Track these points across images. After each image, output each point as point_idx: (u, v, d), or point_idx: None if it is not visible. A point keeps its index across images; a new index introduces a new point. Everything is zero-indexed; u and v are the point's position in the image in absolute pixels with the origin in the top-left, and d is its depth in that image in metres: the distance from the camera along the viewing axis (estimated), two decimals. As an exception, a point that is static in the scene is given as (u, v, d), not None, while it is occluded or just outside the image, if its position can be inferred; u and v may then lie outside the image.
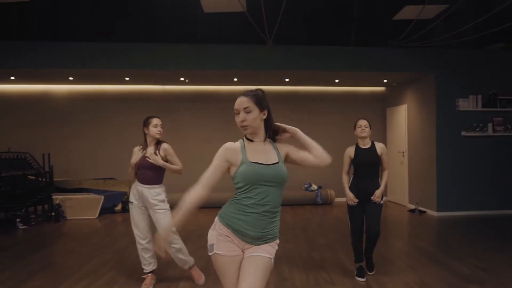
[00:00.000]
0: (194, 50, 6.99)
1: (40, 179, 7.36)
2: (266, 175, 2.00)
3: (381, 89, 9.35)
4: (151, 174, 3.70)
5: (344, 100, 9.16)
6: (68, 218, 7.45)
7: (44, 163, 7.47)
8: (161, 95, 8.73)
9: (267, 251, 2.02)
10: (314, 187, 8.74)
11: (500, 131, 7.45)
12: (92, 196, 7.80)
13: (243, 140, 2.16)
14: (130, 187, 8.54)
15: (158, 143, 3.79)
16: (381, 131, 9.25)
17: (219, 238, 2.02)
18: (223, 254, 1.99)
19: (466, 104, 7.40)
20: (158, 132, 3.74)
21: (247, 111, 2.09)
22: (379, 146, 4.03)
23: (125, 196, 8.25)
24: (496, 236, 5.79)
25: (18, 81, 7.83)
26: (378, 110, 9.34)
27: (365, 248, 4.10)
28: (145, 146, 3.79)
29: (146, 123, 3.77)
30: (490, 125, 7.43)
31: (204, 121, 8.77)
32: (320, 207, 8.43)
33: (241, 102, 2.12)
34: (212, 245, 2.03)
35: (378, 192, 3.89)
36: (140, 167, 3.72)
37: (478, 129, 7.41)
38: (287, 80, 8.10)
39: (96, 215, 7.58)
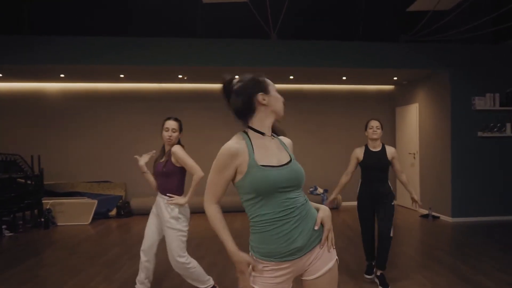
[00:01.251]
0: (193, 45, 6.55)
1: (29, 182, 6.93)
2: (285, 178, 1.59)
3: (390, 87, 8.90)
4: (164, 181, 3.27)
5: (351, 99, 8.72)
6: (58, 224, 7.00)
7: (33, 166, 7.03)
8: (158, 93, 8.29)
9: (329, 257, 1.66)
10: (320, 190, 8.29)
11: (518, 131, 7.00)
12: (85, 200, 7.36)
13: (246, 133, 1.70)
14: (126, 191, 8.11)
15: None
16: (390, 131, 8.81)
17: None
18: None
19: (483, 103, 6.95)
20: (169, 137, 3.25)
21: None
22: (389, 150, 3.83)
23: (120, 200, 7.82)
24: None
25: (6, 78, 7.38)
26: (387, 109, 8.89)
27: (378, 255, 3.80)
28: (162, 151, 3.36)
29: (162, 126, 3.32)
30: (508, 125, 6.98)
31: (204, 121, 8.33)
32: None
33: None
34: None
35: (416, 197, 3.84)
36: (154, 173, 3.35)
37: (495, 130, 6.96)
38: (291, 77, 7.65)
39: (89, 221, 7.13)
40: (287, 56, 6.69)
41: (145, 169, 3.37)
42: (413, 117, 8.12)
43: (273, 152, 1.66)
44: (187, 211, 3.28)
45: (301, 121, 8.59)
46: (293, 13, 6.62)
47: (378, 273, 3.77)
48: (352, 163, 3.88)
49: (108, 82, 8.01)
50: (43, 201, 7.00)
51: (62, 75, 7.19)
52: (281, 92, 1.85)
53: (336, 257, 1.68)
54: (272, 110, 1.71)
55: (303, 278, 1.65)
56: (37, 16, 6.52)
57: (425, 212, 7.50)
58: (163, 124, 3.31)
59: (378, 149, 3.79)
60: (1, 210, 6.41)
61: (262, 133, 1.68)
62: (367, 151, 3.82)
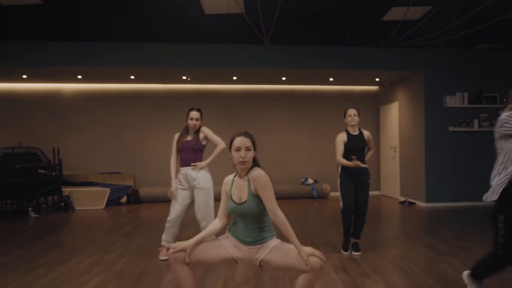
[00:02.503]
0: (195, 50, 7.43)
1: (50, 172, 7.79)
2: (237, 212, 2.51)
3: (374, 88, 9.76)
4: (193, 155, 4.18)
5: (339, 99, 9.58)
6: (76, 208, 7.87)
7: (54, 157, 7.90)
8: (163, 93, 9.17)
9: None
10: (310, 181, 9.14)
11: (485, 127, 7.84)
12: (99, 188, 8.22)
13: (235, 175, 2.61)
14: (135, 181, 8.97)
15: (197, 130, 4.26)
16: (375, 128, 9.66)
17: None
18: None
19: (453, 101, 7.81)
20: (193, 125, 4.20)
21: (248, 149, 2.49)
22: (365, 133, 4.53)
23: (130, 189, 8.67)
24: (480, 223, 6.17)
25: (29, 79, 8.27)
26: (372, 108, 9.75)
27: (355, 227, 4.49)
28: (184, 132, 4.27)
29: (187, 115, 4.24)
30: (476, 121, 7.83)
31: (205, 119, 9.17)
32: (316, 200, 8.81)
33: (244, 141, 2.49)
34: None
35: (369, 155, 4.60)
36: (182, 150, 4.20)
37: (464, 125, 7.81)
38: (284, 78, 8.52)
39: (103, 206, 8.00)
40: (279, 60, 7.57)
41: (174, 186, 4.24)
42: (394, 114, 8.97)
43: (238, 191, 2.53)
44: (210, 176, 4.23)
45: (293, 118, 9.44)
46: (285, 21, 7.48)
47: (353, 242, 4.54)
48: (340, 147, 4.38)
49: (120, 83, 8.90)
50: (62, 189, 7.87)
51: (79, 76, 8.07)
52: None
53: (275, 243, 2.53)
54: (234, 163, 2.55)
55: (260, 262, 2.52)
56: (58, 24, 7.40)
57: (403, 199, 8.35)
58: (187, 115, 4.23)
59: (357, 133, 4.46)
60: (27, 195, 7.29)
61: (240, 177, 2.55)
62: (349, 135, 4.44)
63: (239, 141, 2.48)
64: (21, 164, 7.63)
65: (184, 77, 8.34)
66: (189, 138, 4.24)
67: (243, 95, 9.33)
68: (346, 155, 4.39)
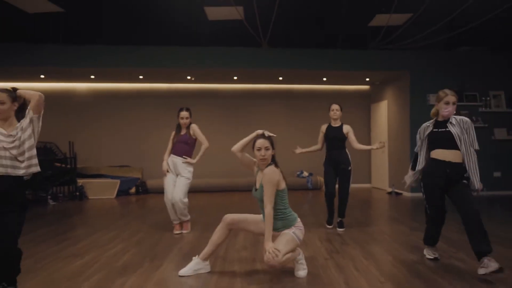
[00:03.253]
0: (199, 52, 8.13)
1: (65, 165, 8.49)
2: (254, 197, 3.33)
3: (366, 87, 10.45)
4: (184, 147, 4.94)
5: (333, 97, 10.22)
6: (90, 197, 8.57)
7: (70, 151, 8.61)
8: (169, 91, 9.86)
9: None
10: (305, 174, 9.82)
11: (466, 123, 8.52)
12: (110, 180, 8.92)
13: (258, 169, 3.38)
14: (142, 173, 9.67)
15: (188, 126, 5.02)
16: (366, 124, 10.35)
17: None
18: None
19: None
20: (184, 123, 4.99)
21: (267, 148, 3.23)
22: (345, 127, 5.23)
23: (138, 181, 9.37)
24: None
25: (47, 79, 8.98)
26: (364, 106, 10.44)
27: (339, 208, 5.17)
28: (178, 130, 5.04)
29: (178, 115, 5.02)
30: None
31: (208, 115, 9.88)
32: (311, 191, 9.50)
33: (263, 143, 3.21)
34: None
35: (376, 145, 5.02)
36: (177, 142, 4.95)
37: (447, 121, 8.49)
38: (280, 78, 9.22)
39: (114, 196, 8.71)
40: (276, 61, 8.26)
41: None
42: (383, 112, 9.66)
43: (257, 181, 3.30)
44: (192, 169, 4.99)
45: (290, 115, 10.14)
46: (282, 25, 8.17)
47: (338, 220, 5.23)
48: (320, 135, 5.26)
49: (129, 82, 9.61)
50: (77, 180, 8.57)
51: (92, 76, 8.78)
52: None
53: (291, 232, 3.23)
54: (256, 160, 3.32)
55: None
56: (75, 29, 8.09)
57: (390, 190, 9.04)
58: (178, 114, 4.99)
59: (338, 125, 5.19)
60: (43, 185, 7.99)
61: (261, 170, 3.28)
62: (329, 126, 5.22)
63: (260, 142, 3.24)
64: (38, 157, 8.30)
65: (188, 77, 9.04)
66: (182, 132, 5.02)
67: (243, 94, 10.02)
68: (328, 144, 5.21)
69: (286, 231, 3.23)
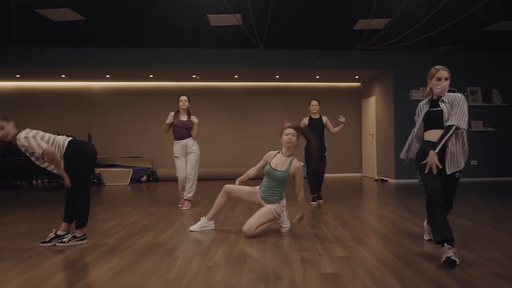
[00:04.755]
0: (203, 54, 9.09)
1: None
2: (270, 174, 4.11)
3: (357, 84, 11.34)
4: (186, 131, 5.82)
5: (326, 93, 11.16)
6: (106, 184, 9.57)
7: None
8: (177, 89, 10.80)
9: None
10: (301, 163, 10.72)
11: (445, 116, 9.39)
12: (123, 169, 9.91)
13: (279, 152, 4.20)
14: (153, 164, 10.63)
15: (188, 112, 5.88)
16: (357, 119, 11.24)
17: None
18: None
19: (418, 94, 9.37)
20: (183, 105, 5.85)
21: (293, 135, 4.09)
22: (324, 118, 6.23)
23: (149, 170, 10.34)
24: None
25: (67, 78, 9.98)
26: (355, 101, 11.33)
27: (317, 184, 6.14)
28: (177, 114, 5.88)
29: (178, 99, 5.89)
30: (437, 111, 9.37)
31: (212, 110, 10.84)
32: (304, 179, 10.40)
33: (291, 130, 4.07)
34: None
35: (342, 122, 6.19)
36: (177, 127, 5.81)
37: (427, 114, 9.36)
38: (277, 76, 10.14)
39: (127, 183, 9.70)
40: (272, 61, 9.19)
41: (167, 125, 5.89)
42: (372, 106, 10.55)
43: (278, 163, 4.11)
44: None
45: (285, 111, 11.05)
46: (277, 29, 9.06)
47: (317, 194, 6.16)
48: (302, 125, 6.22)
49: (141, 81, 10.60)
50: (94, 169, 9.56)
51: (107, 76, 9.77)
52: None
53: (272, 208, 4.10)
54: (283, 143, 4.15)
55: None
56: (93, 33, 9.06)
57: (377, 177, 9.94)
58: (178, 99, 5.86)
59: (317, 117, 6.22)
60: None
61: (282, 154, 4.16)
62: (310, 118, 6.25)
63: (290, 129, 4.13)
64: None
65: (194, 76, 10.00)
66: (183, 118, 5.85)
67: (244, 91, 10.96)
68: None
69: (268, 206, 4.12)
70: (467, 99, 9.49)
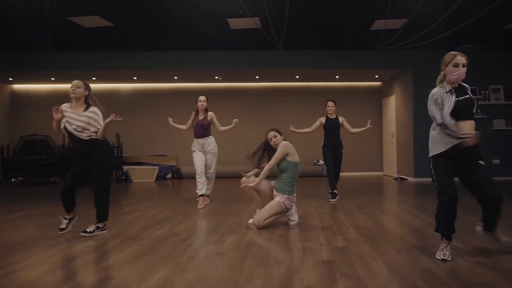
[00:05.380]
0: (225, 55, 9.43)
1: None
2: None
3: (378, 83, 11.40)
4: (204, 130, 6.10)
5: (347, 93, 11.28)
6: (133, 181, 10.08)
7: (117, 141, 10.15)
8: (200, 89, 11.19)
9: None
10: (321, 162, 10.91)
11: (466, 115, 9.35)
12: (150, 167, 10.40)
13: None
14: (177, 162, 11.07)
15: (206, 111, 6.16)
16: (378, 117, 11.30)
17: None
18: None
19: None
20: (201, 105, 6.12)
21: (275, 136, 4.47)
22: (340, 118, 6.40)
23: (174, 168, 10.79)
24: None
25: (97, 80, 10.57)
26: (376, 100, 11.40)
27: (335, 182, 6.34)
28: (197, 113, 6.19)
29: (197, 99, 6.18)
30: (457, 109, 9.34)
31: (234, 110, 11.15)
32: (325, 178, 10.58)
33: (271, 134, 4.50)
34: None
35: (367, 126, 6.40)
36: (195, 126, 6.12)
37: (447, 113, 9.34)
38: (297, 77, 10.37)
39: (153, 179, 10.18)
40: (292, 62, 9.44)
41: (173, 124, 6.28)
42: (392, 106, 10.61)
43: None
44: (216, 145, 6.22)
45: (306, 109, 11.22)
46: (296, 30, 9.28)
47: (336, 190, 6.33)
48: (316, 124, 6.42)
49: (166, 83, 11.08)
50: (122, 166, 10.10)
51: (135, 78, 10.28)
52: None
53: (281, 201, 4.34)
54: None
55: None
56: (120, 38, 9.58)
57: (396, 176, 10.00)
58: (197, 99, 6.15)
59: (334, 117, 6.40)
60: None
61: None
62: (327, 118, 6.41)
63: (269, 134, 4.52)
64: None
65: (216, 77, 10.37)
66: (201, 117, 6.13)
67: (265, 91, 11.24)
68: (326, 133, 6.34)
69: (278, 197, 4.37)
70: (488, 97, 9.49)
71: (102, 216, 4.10)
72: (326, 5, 8.06)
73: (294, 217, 4.55)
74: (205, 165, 6.12)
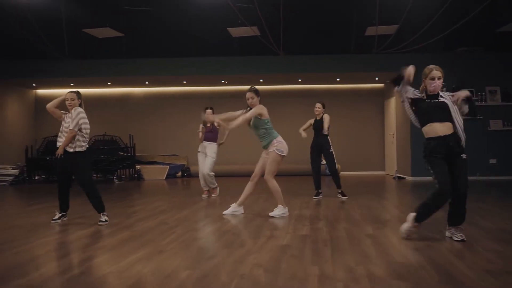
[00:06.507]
0: (229, 61, 10.02)
1: (126, 153, 10.77)
2: (250, 127, 5.06)
3: (380, 85, 11.74)
4: (212, 135, 6.88)
5: (350, 95, 11.67)
6: (145, 179, 10.79)
7: (130, 142, 10.88)
8: (207, 93, 11.84)
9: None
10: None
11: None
12: (161, 166, 11.09)
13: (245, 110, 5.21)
14: (187, 161, 11.71)
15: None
16: (380, 119, 11.65)
17: None
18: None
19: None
20: (207, 117, 6.74)
21: (252, 98, 5.08)
22: (324, 116, 6.73)
23: (184, 167, 11.44)
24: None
25: (112, 85, 11.34)
26: (379, 102, 11.75)
27: (334, 182, 6.79)
28: (204, 122, 6.93)
29: (204, 111, 6.83)
30: (454, 110, 9.62)
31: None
32: (327, 177, 11.00)
33: (249, 94, 5.12)
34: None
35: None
36: (206, 132, 6.90)
37: (444, 114, 9.63)
38: (299, 80, 10.85)
39: (164, 178, 10.86)
40: (293, 66, 9.93)
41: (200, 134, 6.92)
42: (393, 107, 10.95)
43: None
44: (216, 151, 6.85)
45: (308, 112, 11.67)
46: (297, 35, 9.77)
47: (340, 191, 6.69)
48: (306, 124, 6.94)
49: (175, 86, 11.77)
50: (135, 165, 10.81)
51: (146, 82, 11.00)
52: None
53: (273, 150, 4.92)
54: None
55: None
56: (133, 46, 10.30)
57: (393, 175, 10.35)
58: (204, 111, 6.79)
59: (320, 117, 6.82)
60: (111, 168, 10.30)
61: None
62: (315, 119, 6.85)
63: (247, 95, 5.18)
64: (106, 147, 10.71)
65: (222, 81, 10.96)
66: (208, 125, 6.90)
67: (269, 94, 11.72)
68: (315, 133, 6.76)
69: (270, 149, 4.92)
70: (485, 98, 9.72)
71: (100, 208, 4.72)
72: (323, 11, 8.54)
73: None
74: (205, 162, 6.86)
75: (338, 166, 11.41)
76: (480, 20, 8.50)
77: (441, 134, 3.51)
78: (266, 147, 5.02)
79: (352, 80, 11.12)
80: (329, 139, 6.80)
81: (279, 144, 4.96)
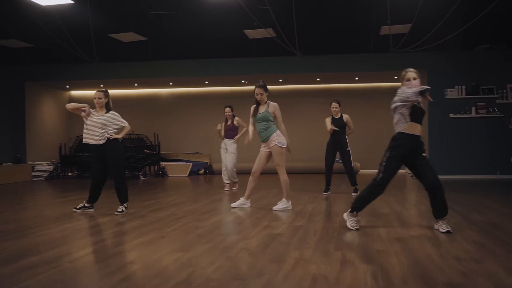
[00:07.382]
0: (249, 62, 10.36)
1: (152, 151, 11.32)
2: (257, 119, 5.37)
3: (398, 84, 11.66)
4: (232, 132, 7.36)
5: (369, 94, 11.73)
6: (169, 175, 11.31)
7: (155, 140, 11.43)
8: (228, 93, 12.20)
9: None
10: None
11: (482, 113, 9.51)
12: (184, 163, 11.58)
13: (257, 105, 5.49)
14: (210, 159, 12.14)
15: (233, 116, 7.36)
16: (400, 117, 11.63)
17: None
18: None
19: (453, 93, 9.62)
20: (227, 115, 7.34)
21: (261, 93, 5.37)
22: (345, 116, 6.94)
23: (207, 164, 11.88)
24: (463, 191, 8.12)
25: (139, 87, 11.94)
26: (399, 100, 11.72)
27: (349, 178, 6.99)
28: (225, 120, 7.42)
29: (224, 110, 7.39)
30: (473, 108, 9.54)
31: (261, 112, 12.04)
32: (345, 175, 11.14)
33: (258, 90, 5.38)
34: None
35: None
36: (226, 130, 7.37)
37: (463, 112, 9.58)
38: (318, 79, 11.04)
39: (187, 174, 11.33)
40: (311, 66, 10.15)
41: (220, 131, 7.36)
42: (411, 105, 10.92)
43: (259, 109, 5.46)
44: (236, 147, 7.28)
45: (327, 111, 11.85)
46: (314, 35, 9.98)
47: (354, 188, 6.86)
48: (328, 122, 6.94)
49: (199, 87, 12.24)
50: (160, 162, 11.35)
51: (171, 83, 11.53)
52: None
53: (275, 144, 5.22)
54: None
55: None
56: (156, 49, 10.84)
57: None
58: (224, 110, 7.27)
59: (338, 116, 6.98)
60: (138, 165, 10.88)
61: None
62: (333, 118, 6.99)
63: (256, 91, 5.41)
64: (133, 145, 11.30)
65: (243, 81, 11.31)
66: (228, 123, 7.32)
67: (288, 93, 12.01)
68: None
69: (271, 144, 5.21)
70: (506, 95, 9.56)
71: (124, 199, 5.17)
72: (340, 11, 8.72)
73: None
74: (227, 159, 7.37)
75: (357, 164, 11.60)
76: (499, 16, 8.42)
77: (417, 134, 3.91)
78: (265, 140, 5.30)
79: (371, 79, 11.19)
80: (346, 137, 6.96)
81: (279, 138, 5.25)
